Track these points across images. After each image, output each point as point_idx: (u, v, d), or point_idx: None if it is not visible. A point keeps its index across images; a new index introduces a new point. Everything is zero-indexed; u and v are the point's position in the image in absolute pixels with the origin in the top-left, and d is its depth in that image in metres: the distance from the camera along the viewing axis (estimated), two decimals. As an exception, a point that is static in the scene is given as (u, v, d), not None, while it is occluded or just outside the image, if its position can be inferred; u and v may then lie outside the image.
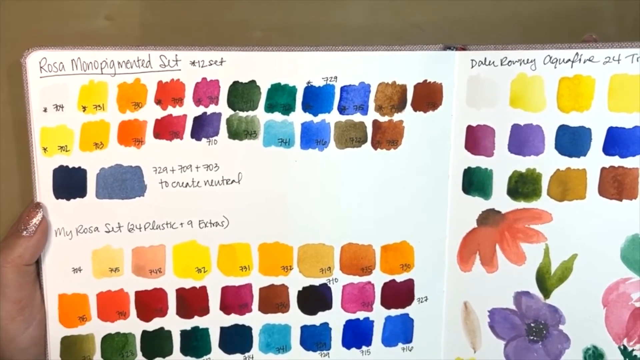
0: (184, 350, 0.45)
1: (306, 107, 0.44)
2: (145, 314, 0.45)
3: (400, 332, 0.47)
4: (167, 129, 0.43)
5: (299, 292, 0.46)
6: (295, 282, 0.46)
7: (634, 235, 0.42)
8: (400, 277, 0.46)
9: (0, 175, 0.53)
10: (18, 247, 0.41)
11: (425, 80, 0.44)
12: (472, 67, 0.44)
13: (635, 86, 0.40)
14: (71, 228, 0.43)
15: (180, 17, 0.54)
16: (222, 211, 0.44)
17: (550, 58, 0.42)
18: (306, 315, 0.46)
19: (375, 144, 0.45)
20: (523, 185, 0.44)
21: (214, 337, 0.46)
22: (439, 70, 0.45)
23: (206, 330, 0.45)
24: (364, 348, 0.47)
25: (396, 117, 0.45)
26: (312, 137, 0.44)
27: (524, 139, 0.43)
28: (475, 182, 0.45)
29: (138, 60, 0.42)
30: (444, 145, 0.45)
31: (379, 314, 0.46)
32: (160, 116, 0.43)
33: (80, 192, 0.43)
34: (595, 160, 0.42)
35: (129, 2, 0.53)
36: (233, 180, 0.44)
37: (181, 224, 0.44)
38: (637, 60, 0.40)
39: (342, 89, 0.44)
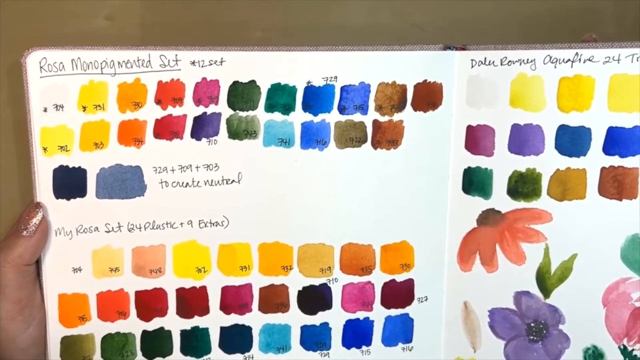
0: (184, 350, 0.45)
1: (306, 107, 0.44)
2: (145, 314, 0.45)
3: (400, 332, 0.47)
4: (167, 129, 0.43)
5: (299, 292, 0.46)
6: (295, 282, 0.46)
7: (634, 235, 0.42)
8: (400, 277, 0.46)
9: (0, 175, 0.53)
10: (18, 247, 0.41)
11: (425, 80, 0.45)
12: (472, 67, 0.44)
13: (635, 86, 0.40)
14: (71, 228, 0.43)
15: (180, 17, 0.54)
16: (222, 211, 0.44)
17: (550, 58, 0.42)
18: (306, 315, 0.46)
19: (375, 144, 0.45)
20: (523, 185, 0.44)
21: (214, 337, 0.46)
22: (439, 70, 0.45)
23: (206, 330, 0.45)
24: (364, 348, 0.47)
25: (396, 117, 0.45)
26: (312, 137, 0.44)
27: (524, 139, 0.43)
28: (475, 182, 0.45)
29: (138, 60, 0.42)
30: (444, 145, 0.45)
31: (379, 314, 0.46)
32: (160, 116, 0.43)
33: (80, 192, 0.43)
34: (595, 160, 0.42)
35: (129, 2, 0.53)
36: (233, 180, 0.44)
37: (181, 223, 0.44)
38: (637, 60, 0.40)
39: (342, 88, 0.44)
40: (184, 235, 0.44)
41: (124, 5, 0.53)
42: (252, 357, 0.46)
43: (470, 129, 0.45)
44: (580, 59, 0.41)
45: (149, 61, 0.42)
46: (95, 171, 0.43)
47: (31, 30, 0.53)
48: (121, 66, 0.42)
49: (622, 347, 0.43)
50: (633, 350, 0.42)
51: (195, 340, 0.45)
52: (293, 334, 0.46)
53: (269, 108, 0.44)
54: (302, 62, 0.43)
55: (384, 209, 0.45)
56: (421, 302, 0.47)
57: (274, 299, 0.46)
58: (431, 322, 0.47)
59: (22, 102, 0.42)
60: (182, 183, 0.44)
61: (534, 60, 0.42)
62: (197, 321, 0.45)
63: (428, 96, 0.45)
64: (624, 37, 0.50)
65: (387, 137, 0.45)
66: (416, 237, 0.46)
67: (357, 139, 0.45)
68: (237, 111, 0.44)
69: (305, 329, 0.46)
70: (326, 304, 0.46)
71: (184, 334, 0.45)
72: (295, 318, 0.46)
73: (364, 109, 0.44)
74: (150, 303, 0.45)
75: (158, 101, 0.43)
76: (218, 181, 0.44)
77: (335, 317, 0.46)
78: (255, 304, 0.46)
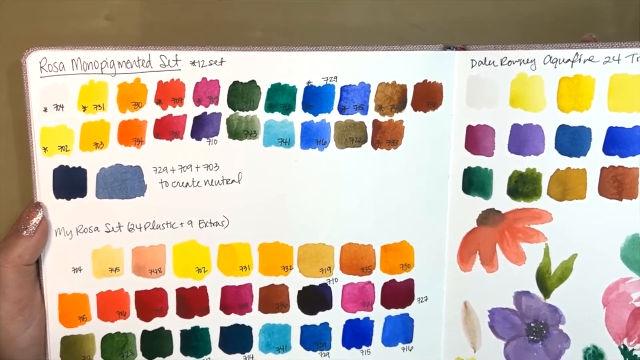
0: (184, 350, 0.45)
1: (306, 107, 0.44)
2: (145, 314, 0.45)
3: (400, 332, 0.47)
4: (167, 129, 0.43)
5: (299, 292, 0.46)
6: (295, 282, 0.46)
7: (634, 235, 0.42)
8: (400, 277, 0.46)
9: (0, 175, 0.53)
10: (18, 247, 0.41)
11: (425, 80, 0.45)
12: (472, 67, 0.44)
13: (635, 86, 0.40)
14: (71, 228, 0.43)
15: (180, 17, 0.54)
16: (222, 211, 0.44)
17: (550, 58, 0.42)
18: (306, 315, 0.46)
19: (375, 144, 0.45)
20: (523, 185, 0.44)
21: (214, 337, 0.46)
22: (439, 70, 0.45)
23: (206, 330, 0.45)
24: (364, 348, 0.47)
25: (396, 117, 0.45)
26: (312, 137, 0.44)
27: (524, 139, 0.43)
28: (475, 182, 0.45)
29: (138, 60, 0.42)
30: (444, 145, 0.45)
31: (379, 314, 0.46)
32: (160, 116, 0.43)
33: (80, 192, 0.43)
34: (595, 160, 0.42)
35: (129, 2, 0.53)
36: (233, 180, 0.44)
37: (181, 223, 0.44)
38: (637, 60, 0.40)
39: (342, 88, 0.44)
40: (184, 235, 0.44)
41: (124, 5, 0.53)
42: (252, 357, 0.46)
43: (470, 129, 0.45)
44: (580, 59, 0.41)
45: (149, 61, 0.42)
46: (95, 171, 0.43)
47: (31, 30, 0.53)
48: (121, 66, 0.42)
49: (622, 347, 0.43)
50: (633, 350, 0.42)
51: (195, 340, 0.45)
52: (293, 334, 0.46)
53: (269, 108, 0.44)
54: (302, 62, 0.43)
55: (384, 209, 0.45)
56: (421, 302, 0.47)
57: (274, 299, 0.46)
58: (431, 322, 0.47)
59: (22, 102, 0.42)
60: (182, 183, 0.44)
61: (534, 60, 0.42)
62: (197, 321, 0.45)
63: (428, 96, 0.45)
64: (624, 37, 0.50)
65: (387, 137, 0.45)
66: (416, 237, 0.46)
67: (357, 139, 0.45)
68: (237, 111, 0.44)
69: (305, 329, 0.46)
70: (326, 304, 0.46)
71: (184, 334, 0.45)
72: (295, 318, 0.46)
73: (364, 109, 0.44)
74: (150, 303, 0.45)
75: (158, 101, 0.43)
76: (218, 181, 0.44)
77: (335, 317, 0.46)
78: (255, 304, 0.46)
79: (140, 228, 0.44)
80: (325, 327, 0.46)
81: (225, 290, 0.45)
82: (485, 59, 0.44)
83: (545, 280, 0.44)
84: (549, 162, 0.43)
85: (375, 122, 0.45)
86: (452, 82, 0.45)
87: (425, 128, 0.45)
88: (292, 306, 0.46)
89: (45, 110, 0.42)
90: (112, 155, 0.43)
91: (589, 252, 0.43)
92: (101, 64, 0.42)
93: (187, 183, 0.44)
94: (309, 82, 0.44)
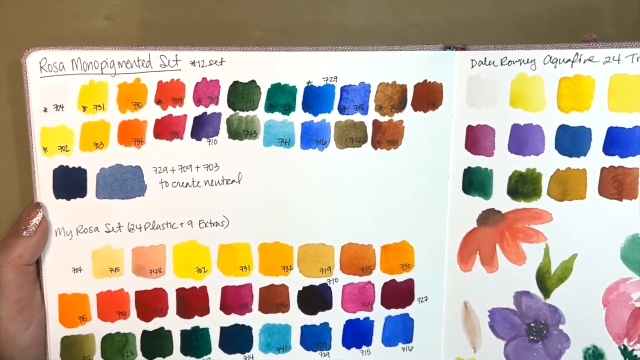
0: (184, 350, 0.45)
1: (306, 107, 0.44)
2: (145, 314, 0.45)
3: (400, 332, 0.47)
4: (167, 129, 0.43)
5: (299, 292, 0.46)
6: (295, 282, 0.46)
7: (634, 235, 0.42)
8: (400, 277, 0.46)
9: (0, 175, 0.53)
10: (18, 247, 0.41)
11: (425, 80, 0.45)
12: (472, 67, 0.44)
13: (635, 86, 0.40)
14: (71, 228, 0.43)
15: (180, 17, 0.54)
16: (222, 211, 0.44)
17: (550, 58, 0.42)
18: (306, 315, 0.46)
19: (376, 144, 0.45)
20: (523, 185, 0.44)
21: (214, 337, 0.46)
22: (439, 70, 0.45)
23: (206, 330, 0.45)
24: (364, 348, 0.47)
25: (396, 117, 0.45)
26: (312, 137, 0.44)
27: (524, 139, 0.43)
28: (475, 182, 0.45)
29: (138, 60, 0.42)
30: (444, 145, 0.45)
31: (379, 314, 0.46)
32: (160, 116, 0.43)
33: (80, 192, 0.43)
34: (595, 160, 0.42)
35: (129, 2, 0.53)
36: (233, 180, 0.44)
37: (181, 223, 0.44)
38: (637, 60, 0.40)
39: (342, 88, 0.44)
40: (184, 235, 0.44)
41: (124, 5, 0.53)
42: (252, 357, 0.46)
43: (470, 129, 0.45)
44: (580, 59, 0.41)
45: (149, 61, 0.42)
46: (95, 171, 0.43)
47: (31, 30, 0.53)
48: (121, 66, 0.42)
49: (622, 347, 0.43)
50: (633, 350, 0.42)
51: (195, 340, 0.45)
52: (293, 334, 0.46)
53: (269, 108, 0.44)
54: (302, 62, 0.43)
55: (384, 209, 0.45)
56: (421, 302, 0.47)
57: (274, 299, 0.46)
58: (431, 322, 0.47)
59: (22, 102, 0.42)
60: (182, 183, 0.44)
61: (534, 60, 0.42)
62: (197, 321, 0.45)
63: (428, 96, 0.45)
64: (624, 37, 0.50)
65: (387, 137, 0.45)
66: (416, 237, 0.46)
67: (357, 139, 0.45)
68: (237, 111, 0.44)
69: (305, 329, 0.46)
70: (326, 304, 0.46)
71: (184, 334, 0.45)
72: (295, 318, 0.46)
73: (364, 109, 0.44)
74: (150, 303, 0.45)
75: (158, 101, 0.43)
76: (218, 181, 0.44)
77: (336, 317, 0.46)
78: (255, 304, 0.46)
79: (140, 228, 0.44)
80: (325, 327, 0.46)
81: (225, 290, 0.45)
82: (485, 59, 0.44)
83: (545, 280, 0.44)
84: (549, 162, 0.43)
85: (375, 122, 0.45)
86: (452, 82, 0.45)
87: (425, 128, 0.45)
88: (292, 306, 0.46)
89: (45, 110, 0.42)
90: (112, 155, 0.43)
91: (589, 252, 0.43)
92: (101, 64, 0.42)
93: (187, 183, 0.44)
94: (309, 82, 0.44)
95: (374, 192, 0.45)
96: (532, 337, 0.45)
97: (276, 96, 0.44)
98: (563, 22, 0.55)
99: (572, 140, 0.42)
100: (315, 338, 0.46)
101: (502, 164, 0.44)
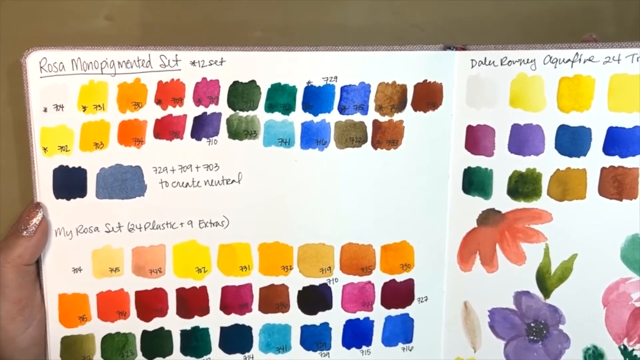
0: (184, 350, 0.45)
1: (306, 107, 0.44)
2: (145, 314, 0.45)
3: (400, 332, 0.47)
4: (167, 129, 0.43)
5: (299, 292, 0.46)
6: (295, 282, 0.46)
7: (634, 235, 0.42)
8: (400, 277, 0.46)
9: (0, 175, 0.53)
10: (18, 247, 0.41)
11: (425, 80, 0.45)
12: (472, 67, 0.44)
13: (635, 86, 0.40)
14: (71, 228, 0.43)
15: (180, 17, 0.54)
16: (222, 211, 0.44)
17: (550, 58, 0.42)
18: (306, 315, 0.46)
19: (375, 144, 0.45)
20: (523, 185, 0.44)
21: (214, 337, 0.46)
22: (439, 70, 0.45)
23: (206, 330, 0.45)
24: (364, 348, 0.47)
25: (396, 117, 0.45)
26: (312, 137, 0.44)
27: (524, 139, 0.43)
28: (475, 182, 0.45)
29: (138, 60, 0.42)
30: (444, 145, 0.45)
31: (379, 314, 0.46)
32: (160, 116, 0.43)
33: (80, 192, 0.43)
34: (595, 160, 0.42)
35: (129, 2, 0.53)
36: (233, 180, 0.44)
37: (181, 223, 0.44)
38: (637, 60, 0.40)
39: (342, 88, 0.44)
40: (184, 235, 0.44)
41: (124, 5, 0.53)
42: (252, 357, 0.46)
43: (470, 129, 0.45)
44: (580, 59, 0.41)
45: (149, 61, 0.42)
46: (95, 171, 0.43)
47: (31, 30, 0.53)
48: (121, 66, 0.42)
49: (622, 347, 0.43)
50: (633, 350, 0.42)
51: (195, 340, 0.45)
52: (293, 334, 0.46)
53: (269, 108, 0.44)
54: (302, 62, 0.43)
55: (384, 209, 0.45)
56: (421, 302, 0.47)
57: (274, 299, 0.46)
58: (431, 322, 0.47)
59: (22, 102, 0.42)
60: (182, 183, 0.44)
61: (534, 60, 0.42)
62: (197, 321, 0.45)
63: (428, 96, 0.45)
64: (624, 37, 0.50)
65: (387, 137, 0.45)
66: (416, 237, 0.46)
67: (357, 139, 0.45)
68: (237, 111, 0.44)
69: (305, 329, 0.46)
70: (326, 304, 0.46)
71: (184, 334, 0.45)
72: (295, 318, 0.46)
73: (364, 109, 0.44)
74: (150, 303, 0.45)
75: (158, 101, 0.43)
76: (218, 181, 0.44)
77: (335, 317, 0.46)
78: (255, 304, 0.46)
79: (140, 228, 0.44)
80: (325, 327, 0.46)
81: (225, 290, 0.45)
82: (485, 59, 0.44)
83: (545, 280, 0.44)
84: (549, 162, 0.43)
85: (375, 122, 0.45)
86: (452, 82, 0.45)
87: (425, 128, 0.45)
88: (292, 306, 0.46)
89: (45, 110, 0.42)
90: (112, 155, 0.43)
91: (589, 252, 0.43)
92: (101, 64, 0.42)
93: (187, 183, 0.44)
94: (309, 82, 0.44)
95: (374, 192, 0.45)
96: (532, 337, 0.45)
97: (276, 96, 0.44)
98: (563, 22, 0.55)
99: (572, 140, 0.42)
100: (315, 338, 0.46)
101: (502, 164, 0.44)
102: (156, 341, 0.45)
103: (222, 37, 0.53)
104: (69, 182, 0.43)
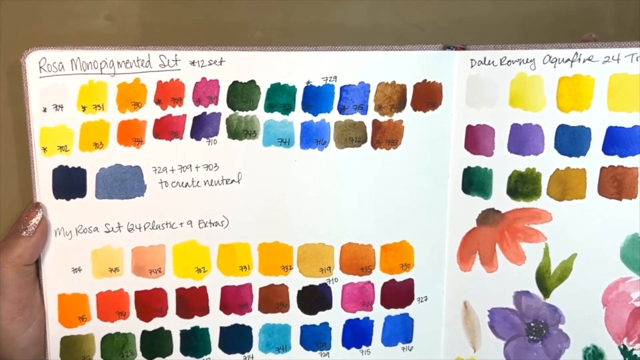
0: (184, 350, 0.45)
1: (306, 107, 0.44)
2: (145, 314, 0.45)
3: (400, 331, 0.47)
4: (166, 129, 0.43)
5: (299, 291, 0.46)
6: (295, 281, 0.46)
7: (633, 235, 0.42)
8: (400, 277, 0.46)
9: (0, 175, 0.53)
10: (18, 247, 0.41)
11: (425, 80, 0.45)
12: (472, 66, 0.44)
13: (635, 86, 0.40)
14: (71, 228, 0.43)
15: (180, 17, 0.54)
16: (222, 211, 0.44)
17: (550, 58, 0.42)
18: (306, 315, 0.46)
19: (375, 144, 0.45)
20: (523, 185, 0.44)
21: (214, 337, 0.46)
22: (439, 70, 0.45)
23: (206, 330, 0.45)
24: (364, 348, 0.47)
25: (396, 116, 0.45)
26: (312, 137, 0.44)
27: (523, 139, 0.43)
28: (475, 182, 0.45)
29: (138, 60, 0.42)
30: (444, 145, 0.45)
31: (378, 314, 0.46)
32: (159, 116, 0.43)
33: (80, 192, 0.43)
34: (594, 160, 0.42)
35: (129, 2, 0.53)
36: (233, 180, 0.44)
37: (181, 223, 0.44)
38: (637, 60, 0.40)
39: (342, 88, 0.44)
40: (183, 235, 0.44)
41: (124, 5, 0.53)
42: (252, 357, 0.46)
43: (470, 129, 0.45)
44: (579, 59, 0.41)
45: (149, 61, 0.42)
46: (95, 171, 0.43)
47: (31, 30, 0.53)
48: (121, 66, 0.42)
49: (622, 347, 0.43)
50: (633, 350, 0.42)
51: (195, 340, 0.45)
52: (293, 334, 0.46)
53: (269, 108, 0.44)
54: (302, 62, 0.43)
55: (384, 209, 0.45)
56: (421, 302, 0.47)
57: (274, 299, 0.46)
58: (431, 322, 0.47)
59: (22, 102, 0.42)
60: (182, 183, 0.44)
61: (534, 60, 0.42)
62: (197, 321, 0.45)
63: (428, 96, 0.45)
64: (624, 37, 0.49)
65: (386, 137, 0.45)
66: (416, 237, 0.46)
67: (357, 139, 0.45)
68: (237, 111, 0.44)
69: (305, 329, 0.46)
70: (326, 304, 0.46)
71: (183, 334, 0.45)
72: (295, 318, 0.46)
73: (363, 109, 0.44)
74: (150, 303, 0.45)
75: (157, 101, 0.43)
76: (218, 181, 0.44)
77: (335, 317, 0.46)
78: (255, 304, 0.46)
79: (140, 228, 0.44)
80: (325, 327, 0.46)
81: (225, 290, 0.45)
82: (485, 58, 0.44)
83: (545, 280, 0.44)
84: (548, 161, 0.43)
85: (375, 122, 0.45)
86: (452, 82, 0.45)
87: (425, 128, 0.45)
88: (292, 306, 0.46)
89: (45, 110, 0.42)
90: (111, 155, 0.43)
91: (588, 252, 0.43)
92: (100, 64, 0.42)
93: (187, 183, 0.44)
94: (308, 82, 0.44)
95: (373, 192, 0.45)
96: (531, 337, 0.45)
97: (276, 96, 0.44)
98: (563, 22, 0.55)
99: (572, 140, 0.42)
100: (315, 338, 0.46)
101: (502, 164, 0.44)
102: (156, 341, 0.45)
103: (222, 37, 0.53)
104: (69, 182, 0.43)
